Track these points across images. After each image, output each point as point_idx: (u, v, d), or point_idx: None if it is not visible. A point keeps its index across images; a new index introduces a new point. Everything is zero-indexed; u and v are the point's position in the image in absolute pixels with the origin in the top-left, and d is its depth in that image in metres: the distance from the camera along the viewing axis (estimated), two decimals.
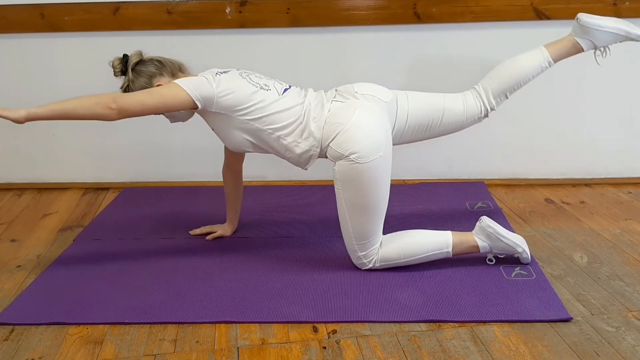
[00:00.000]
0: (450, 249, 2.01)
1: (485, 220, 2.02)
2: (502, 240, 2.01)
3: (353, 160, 1.88)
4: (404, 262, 2.02)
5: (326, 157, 2.00)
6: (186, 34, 2.77)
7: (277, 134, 1.96)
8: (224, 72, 2.01)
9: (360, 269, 2.04)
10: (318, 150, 1.97)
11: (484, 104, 2.19)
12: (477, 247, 2.03)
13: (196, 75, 2.02)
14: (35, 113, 1.85)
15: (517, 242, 2.03)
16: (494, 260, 2.07)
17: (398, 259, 2.01)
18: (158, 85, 1.98)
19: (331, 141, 1.93)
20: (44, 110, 1.85)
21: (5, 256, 2.27)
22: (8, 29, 2.77)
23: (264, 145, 2.00)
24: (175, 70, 2.04)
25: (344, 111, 1.96)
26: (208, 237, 2.33)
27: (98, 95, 1.87)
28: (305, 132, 1.96)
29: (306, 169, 2.07)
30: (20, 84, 2.85)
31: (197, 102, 1.91)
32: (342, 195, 1.94)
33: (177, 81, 1.93)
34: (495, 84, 2.19)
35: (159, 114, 1.96)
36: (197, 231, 2.36)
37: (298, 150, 1.98)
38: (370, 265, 2.02)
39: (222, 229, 2.34)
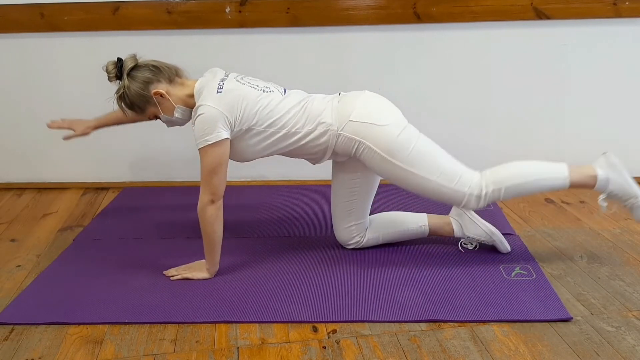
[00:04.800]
0: (567, 179, 1.92)
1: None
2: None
3: (381, 125, 1.90)
4: (518, 182, 1.92)
5: (337, 153, 1.99)
6: (186, 33, 2.77)
7: (289, 131, 1.95)
8: (220, 89, 1.91)
9: (360, 268, 2.05)
10: (335, 129, 1.94)
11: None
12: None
13: (195, 80, 1.99)
14: (212, 268, 2.02)
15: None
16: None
17: (511, 178, 1.92)
18: (155, 93, 1.94)
19: (350, 115, 1.93)
20: (212, 262, 2.01)
21: (5, 256, 2.27)
22: (8, 29, 2.77)
23: (277, 146, 1.99)
24: (172, 75, 1.98)
25: (354, 94, 2.01)
26: (64, 137, 2.30)
27: (204, 214, 1.92)
28: (320, 118, 1.95)
29: (323, 162, 2.06)
30: (20, 84, 2.86)
31: (229, 135, 1.92)
32: (397, 168, 1.91)
33: (207, 139, 1.86)
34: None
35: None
36: (56, 125, 2.30)
37: (314, 137, 1.96)
38: (484, 192, 1.92)
39: (82, 126, 2.28)
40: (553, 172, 1.94)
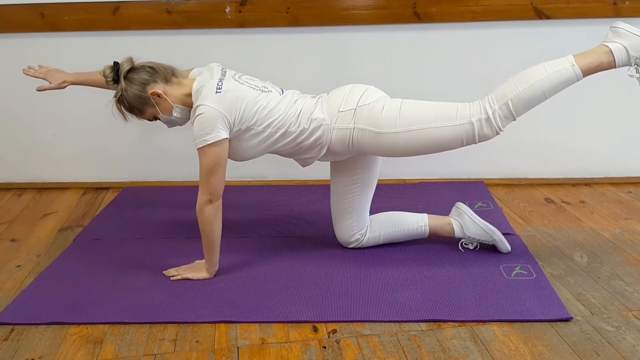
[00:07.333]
0: (575, 67, 1.81)
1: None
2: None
3: (367, 104, 1.94)
4: (521, 88, 1.86)
5: (334, 152, 2.00)
6: (186, 33, 2.77)
7: (286, 130, 1.96)
8: (219, 89, 1.91)
9: (360, 268, 2.05)
10: (328, 122, 1.95)
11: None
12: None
13: (192, 80, 1.99)
14: (212, 268, 2.02)
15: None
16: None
17: (514, 87, 1.87)
18: (152, 94, 1.93)
19: (339, 107, 1.96)
20: (211, 262, 2.01)
21: (5, 256, 2.27)
22: (8, 29, 2.77)
23: (275, 146, 1.99)
24: (168, 75, 1.98)
25: (340, 88, 2.04)
26: (38, 88, 2.16)
27: (202, 213, 1.92)
28: (312, 116, 1.96)
29: (320, 158, 2.06)
30: (20, 84, 2.85)
31: (228, 135, 1.91)
32: (396, 136, 1.90)
33: (206, 139, 1.86)
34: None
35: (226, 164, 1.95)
36: (31, 72, 2.17)
37: (309, 134, 1.97)
38: (491, 112, 1.87)
39: (58, 79, 2.17)
40: (556, 65, 1.82)
